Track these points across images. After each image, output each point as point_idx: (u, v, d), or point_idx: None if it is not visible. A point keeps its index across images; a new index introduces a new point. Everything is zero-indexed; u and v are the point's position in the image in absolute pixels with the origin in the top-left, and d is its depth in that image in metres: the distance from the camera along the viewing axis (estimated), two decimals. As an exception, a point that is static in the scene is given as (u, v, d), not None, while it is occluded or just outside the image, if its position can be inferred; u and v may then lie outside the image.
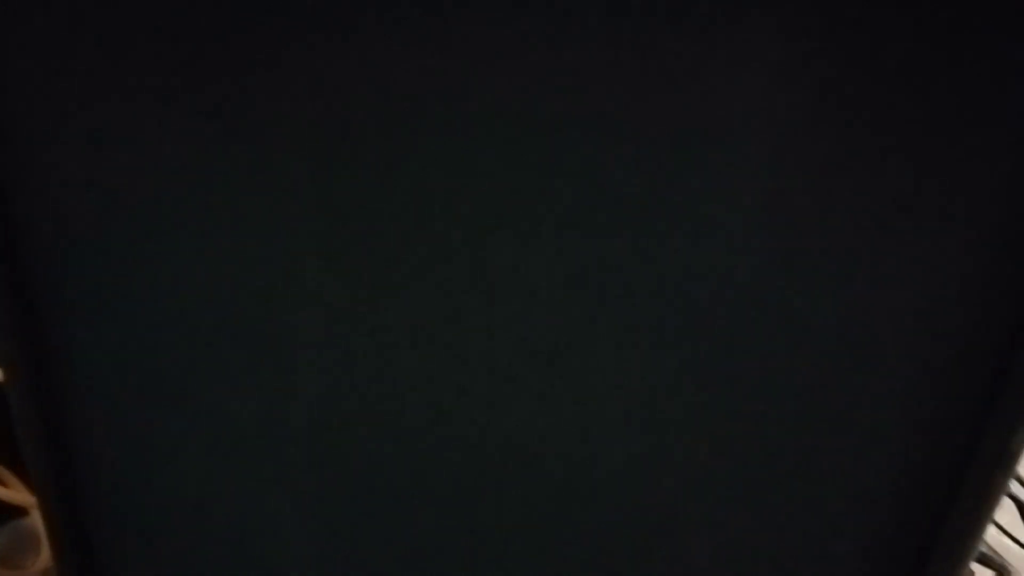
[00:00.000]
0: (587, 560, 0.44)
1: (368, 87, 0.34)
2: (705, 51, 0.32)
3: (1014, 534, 0.67)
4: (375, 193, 0.36)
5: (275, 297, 0.39)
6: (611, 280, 0.36)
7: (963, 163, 0.32)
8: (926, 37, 0.30)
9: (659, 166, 0.34)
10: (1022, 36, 0.30)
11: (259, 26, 0.33)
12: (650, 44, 0.32)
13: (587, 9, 0.31)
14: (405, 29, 0.33)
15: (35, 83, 0.36)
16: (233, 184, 0.37)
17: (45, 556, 0.65)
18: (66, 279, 0.41)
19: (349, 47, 0.33)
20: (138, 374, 0.43)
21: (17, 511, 0.66)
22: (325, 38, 0.33)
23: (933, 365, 0.36)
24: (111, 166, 0.38)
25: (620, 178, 0.34)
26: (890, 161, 0.32)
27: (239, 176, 0.37)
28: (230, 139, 0.36)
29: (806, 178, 0.33)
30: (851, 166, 0.33)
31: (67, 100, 0.37)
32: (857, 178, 0.33)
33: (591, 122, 0.33)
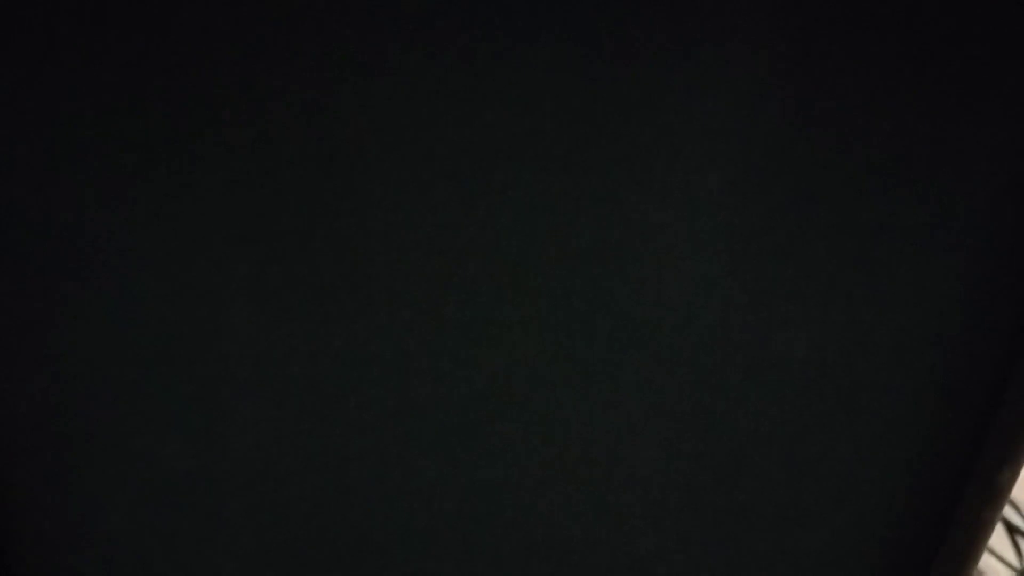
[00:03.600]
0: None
1: (305, 110, 0.32)
2: (663, 69, 0.30)
3: (1001, 554, 0.67)
4: (314, 223, 0.34)
5: (204, 335, 0.37)
6: (566, 324, 0.35)
7: (950, 179, 0.31)
8: (915, 37, 0.29)
9: (616, 194, 0.32)
10: (1022, 38, 0.29)
11: (194, 44, 0.31)
12: (601, 66, 0.30)
13: (533, 27, 0.30)
14: (346, 45, 0.31)
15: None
16: (160, 214, 0.35)
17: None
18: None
19: (281, 68, 0.32)
20: (60, 420, 0.41)
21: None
22: (258, 56, 0.31)
23: (919, 403, 0.36)
24: (30, 195, 0.35)
25: (572, 211, 0.33)
26: (870, 180, 0.31)
27: (168, 205, 0.35)
28: (154, 165, 0.34)
29: (779, 201, 0.32)
30: (828, 185, 0.32)
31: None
32: (836, 198, 0.32)
33: (538, 150, 0.32)
